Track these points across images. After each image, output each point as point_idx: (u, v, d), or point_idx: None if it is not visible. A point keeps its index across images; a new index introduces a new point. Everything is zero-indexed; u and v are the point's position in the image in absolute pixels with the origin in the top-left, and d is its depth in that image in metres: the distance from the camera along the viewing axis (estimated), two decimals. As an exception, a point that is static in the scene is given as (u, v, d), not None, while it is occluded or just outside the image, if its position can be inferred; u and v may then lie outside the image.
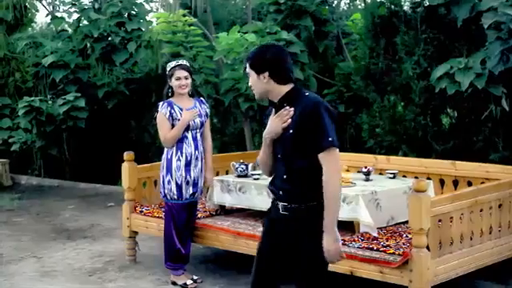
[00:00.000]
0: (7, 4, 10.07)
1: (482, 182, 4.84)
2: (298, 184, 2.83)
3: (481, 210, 4.21)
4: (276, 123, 2.82)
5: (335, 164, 2.75)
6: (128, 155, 5.45)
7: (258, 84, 2.87)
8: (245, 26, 7.90)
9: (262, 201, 4.65)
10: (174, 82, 4.91)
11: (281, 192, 2.89)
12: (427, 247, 3.77)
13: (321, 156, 2.74)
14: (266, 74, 2.83)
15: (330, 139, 2.72)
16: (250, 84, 2.94)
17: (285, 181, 2.87)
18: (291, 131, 2.78)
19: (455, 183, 5.15)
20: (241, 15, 10.24)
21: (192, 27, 8.05)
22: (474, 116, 6.11)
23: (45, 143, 9.42)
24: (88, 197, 8.62)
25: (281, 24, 7.49)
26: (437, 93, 5.88)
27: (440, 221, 3.88)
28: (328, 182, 2.73)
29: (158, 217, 5.21)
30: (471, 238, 4.14)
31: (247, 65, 2.92)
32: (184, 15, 8.10)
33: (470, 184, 5.01)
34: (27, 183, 9.76)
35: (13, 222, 7.30)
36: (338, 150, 2.77)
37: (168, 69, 4.96)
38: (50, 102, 9.13)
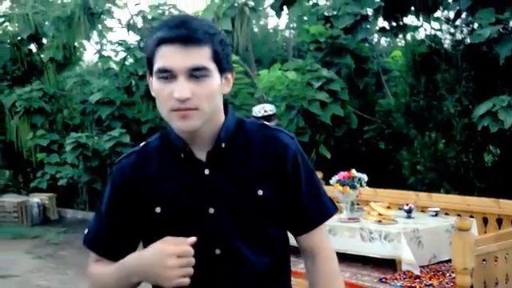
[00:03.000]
0: (57, 44, 10.48)
1: (527, 221, 4.77)
2: None
3: (526, 250, 4.15)
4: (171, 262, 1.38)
5: (331, 247, 1.64)
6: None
7: (218, 93, 1.47)
8: (286, 63, 8.04)
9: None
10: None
11: None
12: (471, 287, 3.73)
13: (313, 235, 1.58)
14: (232, 73, 1.53)
15: (330, 201, 1.62)
16: (187, 93, 1.41)
17: None
18: (260, 192, 1.49)
19: (499, 222, 5.08)
20: (281, 53, 10.41)
21: (234, 64, 8.21)
22: (518, 154, 6.04)
23: (90, 178, 9.65)
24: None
25: (321, 61, 7.58)
26: (479, 130, 5.85)
27: (484, 260, 3.84)
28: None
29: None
30: (516, 278, 4.08)
31: (202, 48, 1.42)
32: (226, 53, 8.30)
33: (514, 223, 4.94)
34: (73, 217, 9.98)
35: (58, 256, 7.47)
36: None
37: (271, 113, 5.21)
38: (96, 137, 9.38)
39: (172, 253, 1.37)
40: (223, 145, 1.48)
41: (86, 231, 1.52)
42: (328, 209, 1.59)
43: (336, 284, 1.60)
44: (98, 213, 1.53)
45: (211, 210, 1.47)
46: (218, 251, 1.47)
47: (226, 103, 1.54)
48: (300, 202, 1.54)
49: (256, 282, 1.50)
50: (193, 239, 1.39)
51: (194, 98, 1.40)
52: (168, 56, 1.40)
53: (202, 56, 1.40)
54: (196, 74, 1.40)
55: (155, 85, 1.44)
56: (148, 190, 1.49)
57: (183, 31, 1.40)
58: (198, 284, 1.44)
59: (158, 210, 1.47)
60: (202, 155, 1.48)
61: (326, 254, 1.59)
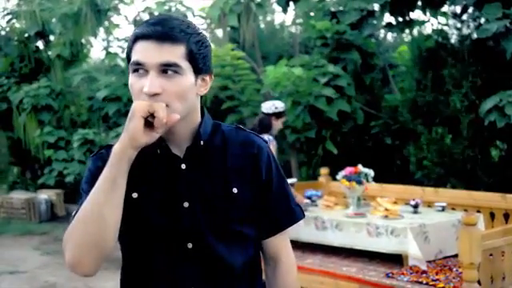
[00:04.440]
0: (64, 41, 10.52)
1: (534, 216, 4.77)
2: None
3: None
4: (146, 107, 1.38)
5: (293, 254, 1.67)
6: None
7: (192, 93, 1.48)
8: (292, 59, 8.04)
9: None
10: (279, 122, 5.15)
11: None
12: (478, 282, 3.73)
13: (277, 239, 1.61)
14: (210, 76, 1.54)
15: (299, 207, 1.65)
16: (158, 89, 1.41)
17: None
18: (235, 190, 1.52)
19: (506, 216, 5.08)
20: (288, 49, 10.40)
21: (240, 61, 8.24)
22: (525, 148, 6.03)
23: (97, 174, 9.68)
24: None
25: (327, 57, 7.58)
26: (486, 125, 5.84)
27: (491, 255, 3.84)
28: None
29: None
30: (523, 273, 4.07)
31: (177, 46, 1.44)
32: (232, 49, 8.31)
33: (521, 217, 4.93)
34: (80, 213, 10.02)
35: (66, 251, 7.51)
36: None
37: (281, 110, 5.23)
38: (103, 134, 9.42)
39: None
40: (202, 142, 1.52)
41: (73, 214, 1.49)
42: (296, 214, 1.63)
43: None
44: (80, 195, 1.52)
45: (186, 204, 1.49)
46: (189, 245, 1.49)
47: (202, 107, 1.57)
48: (270, 203, 1.57)
49: (227, 279, 1.52)
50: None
51: (163, 94, 1.41)
52: (142, 51, 1.43)
53: (175, 53, 1.42)
54: (167, 69, 1.42)
55: (130, 79, 1.47)
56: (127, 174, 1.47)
57: (159, 28, 1.43)
58: (166, 276, 1.49)
59: (134, 195, 1.49)
60: (178, 151, 1.52)
61: (287, 264, 1.63)
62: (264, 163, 1.56)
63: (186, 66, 1.44)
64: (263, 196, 1.56)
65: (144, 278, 1.52)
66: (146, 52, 1.42)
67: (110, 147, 1.50)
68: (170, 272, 1.49)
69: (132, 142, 1.38)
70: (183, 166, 1.51)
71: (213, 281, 1.51)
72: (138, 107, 1.37)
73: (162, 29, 1.42)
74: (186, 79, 1.44)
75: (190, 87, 1.46)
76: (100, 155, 1.55)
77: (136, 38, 1.45)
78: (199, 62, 1.47)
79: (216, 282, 1.51)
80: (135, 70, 1.44)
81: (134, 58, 1.44)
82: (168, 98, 1.42)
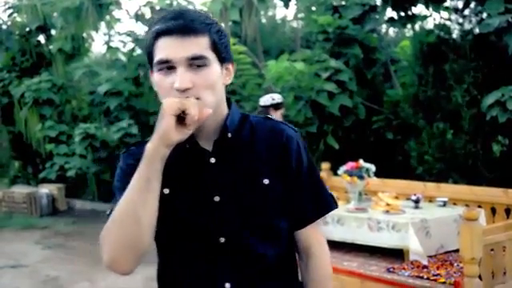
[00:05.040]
0: (66, 35, 10.51)
1: (536, 211, 4.77)
2: None
3: (534, 240, 4.15)
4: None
5: (326, 246, 1.61)
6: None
7: (220, 83, 1.48)
8: (293, 54, 8.04)
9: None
10: (278, 114, 5.18)
11: None
12: (479, 277, 3.73)
13: (309, 230, 1.56)
14: (232, 64, 1.53)
15: (331, 197, 1.60)
16: (189, 84, 1.41)
17: None
18: (266, 181, 1.49)
19: (507, 212, 5.08)
20: (289, 43, 10.39)
21: (242, 55, 8.23)
22: (527, 144, 6.03)
23: (99, 169, 9.71)
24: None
25: (329, 52, 7.58)
26: (487, 120, 5.83)
27: (492, 250, 3.84)
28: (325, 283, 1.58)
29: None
30: (524, 268, 4.07)
31: (200, 38, 1.42)
32: (234, 44, 8.30)
33: (522, 213, 4.93)
34: (81, 208, 10.05)
35: (67, 246, 7.53)
36: None
37: (279, 101, 5.26)
38: (104, 128, 9.43)
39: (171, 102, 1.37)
40: (229, 134, 1.49)
41: (107, 212, 1.46)
42: (327, 203, 1.58)
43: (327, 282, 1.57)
44: (114, 194, 1.50)
45: (216, 199, 1.47)
46: (222, 239, 1.46)
47: (228, 97, 1.54)
48: (300, 193, 1.53)
49: (260, 274, 1.49)
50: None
51: (194, 88, 1.39)
52: (167, 47, 1.40)
53: (200, 46, 1.40)
54: (195, 63, 1.40)
55: (156, 78, 1.44)
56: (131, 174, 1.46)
57: (180, 22, 1.40)
58: (202, 272, 1.47)
59: (166, 191, 1.47)
60: (207, 145, 1.49)
61: (320, 258, 1.57)
62: (294, 152, 1.52)
63: (211, 56, 1.42)
64: (293, 186, 1.51)
65: (180, 274, 1.50)
66: (171, 48, 1.39)
67: (140, 144, 1.51)
68: (204, 267, 1.47)
69: (164, 140, 1.36)
70: (212, 160, 1.48)
71: (246, 276, 1.47)
72: (169, 106, 1.35)
73: (183, 22, 1.40)
74: (214, 70, 1.43)
75: (218, 77, 1.45)
76: (131, 152, 1.53)
77: (157, 35, 1.42)
78: (222, 51, 1.45)
79: (249, 276, 1.48)
80: (161, 68, 1.42)
81: (158, 56, 1.41)
82: (199, 92, 1.40)
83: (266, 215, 1.48)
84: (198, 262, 1.47)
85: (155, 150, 1.37)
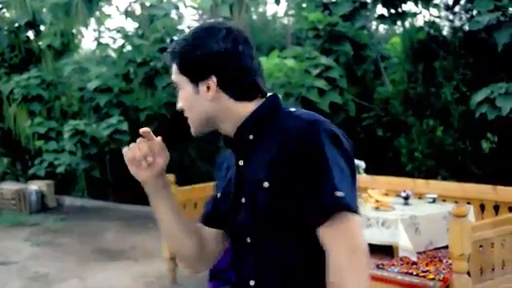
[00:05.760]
0: (55, 31, 10.45)
1: (524, 208, 4.79)
2: None
3: (522, 236, 4.17)
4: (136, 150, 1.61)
5: (346, 247, 1.43)
6: (169, 177, 5.58)
7: (197, 102, 1.55)
8: (284, 50, 8.03)
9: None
10: None
11: None
12: (468, 273, 3.75)
13: (324, 232, 1.43)
14: (212, 81, 1.52)
15: (337, 194, 1.41)
16: (179, 104, 1.60)
17: None
18: (266, 184, 1.48)
19: (496, 208, 5.10)
20: (280, 40, 10.38)
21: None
22: (515, 141, 6.06)
23: (89, 165, 9.66)
24: (130, 218, 8.79)
25: (320, 49, 7.58)
26: (477, 117, 5.86)
27: (481, 246, 3.86)
28: None
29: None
30: (513, 264, 4.10)
31: (173, 65, 1.58)
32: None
33: (511, 209, 4.95)
34: (71, 204, 10.00)
35: (57, 243, 7.50)
36: (357, 218, 1.44)
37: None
38: (94, 125, 9.38)
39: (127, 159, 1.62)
40: (251, 136, 1.54)
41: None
42: (339, 202, 1.41)
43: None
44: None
45: (243, 200, 1.56)
46: (248, 239, 1.55)
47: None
48: (309, 193, 1.43)
49: (281, 276, 1.48)
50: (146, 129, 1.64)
51: (183, 108, 1.60)
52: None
53: (173, 72, 1.59)
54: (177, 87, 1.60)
55: None
56: (218, 176, 1.70)
57: (168, 51, 1.61)
58: (236, 269, 1.61)
59: (218, 195, 1.67)
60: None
61: (337, 260, 1.42)
62: (294, 152, 1.44)
63: (181, 79, 1.57)
64: (301, 185, 1.43)
65: (231, 265, 1.65)
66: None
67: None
68: (237, 265, 1.60)
69: (140, 181, 1.60)
70: (241, 163, 1.57)
71: (267, 276, 1.50)
72: (124, 155, 1.60)
73: (169, 51, 1.60)
74: (186, 91, 1.57)
75: (192, 97, 1.56)
76: (224, 152, 1.71)
77: None
78: (192, 71, 1.55)
79: (271, 277, 1.50)
80: None
81: None
82: (185, 111, 1.60)
83: (276, 217, 1.47)
84: (235, 260, 1.61)
85: (144, 188, 1.63)
